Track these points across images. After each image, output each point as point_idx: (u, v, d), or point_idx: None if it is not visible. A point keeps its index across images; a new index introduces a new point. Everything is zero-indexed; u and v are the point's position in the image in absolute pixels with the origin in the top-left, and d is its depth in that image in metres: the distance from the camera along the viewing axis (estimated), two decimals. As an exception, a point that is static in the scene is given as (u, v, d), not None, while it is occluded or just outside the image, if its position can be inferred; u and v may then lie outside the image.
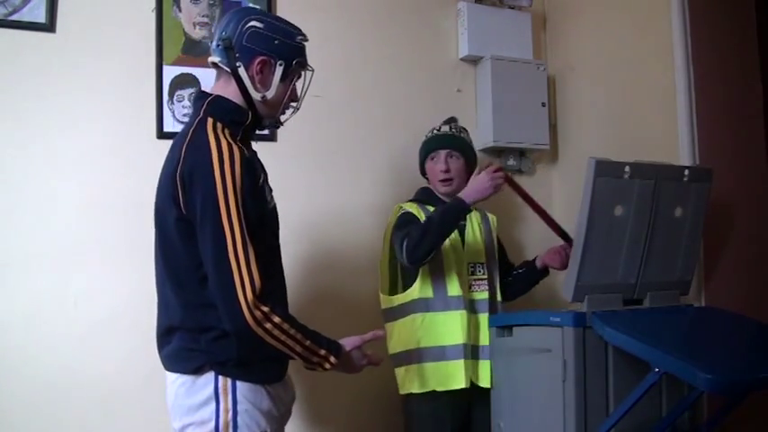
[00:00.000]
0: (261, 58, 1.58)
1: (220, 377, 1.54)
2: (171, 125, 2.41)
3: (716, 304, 2.14)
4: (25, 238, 2.22)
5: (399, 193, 2.67)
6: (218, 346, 1.53)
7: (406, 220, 2.17)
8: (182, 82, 2.44)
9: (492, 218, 2.37)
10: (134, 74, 2.38)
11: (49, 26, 2.28)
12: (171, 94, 2.42)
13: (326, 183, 2.60)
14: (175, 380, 1.58)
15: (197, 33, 2.48)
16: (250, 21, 1.58)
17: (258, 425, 1.56)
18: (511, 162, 2.81)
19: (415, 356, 2.13)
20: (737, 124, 2.28)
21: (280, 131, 2.55)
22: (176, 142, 1.61)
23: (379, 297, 2.29)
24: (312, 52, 2.60)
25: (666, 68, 2.29)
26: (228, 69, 1.58)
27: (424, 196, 2.30)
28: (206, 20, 2.49)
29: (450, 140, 2.28)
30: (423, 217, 2.15)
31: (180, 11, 2.46)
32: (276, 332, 1.49)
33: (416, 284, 2.14)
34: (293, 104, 1.72)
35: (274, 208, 1.71)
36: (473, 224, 2.27)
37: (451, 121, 2.38)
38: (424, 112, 2.75)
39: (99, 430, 2.24)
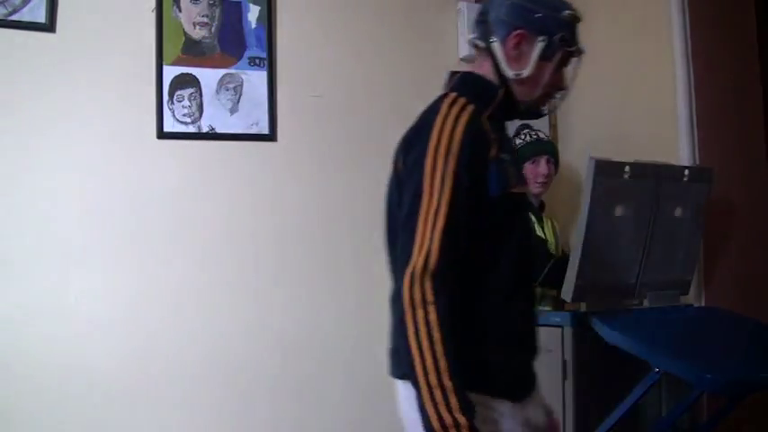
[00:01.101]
0: (518, 32, 1.37)
1: None
2: (171, 125, 2.41)
3: (716, 304, 2.14)
4: (25, 238, 2.22)
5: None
6: None
7: None
8: (182, 82, 2.44)
9: (555, 224, 2.50)
10: (134, 74, 2.38)
11: (49, 26, 2.28)
12: (171, 94, 2.42)
13: (326, 182, 2.60)
14: (397, 385, 1.30)
15: (197, 33, 2.48)
16: None
17: None
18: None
19: None
20: (737, 124, 2.28)
21: (279, 131, 2.56)
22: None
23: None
24: (312, 52, 2.63)
25: (666, 68, 2.29)
26: (483, 45, 1.41)
27: None
28: (206, 20, 2.49)
29: (550, 148, 2.46)
30: None
31: (180, 11, 2.46)
32: (421, 327, 1.13)
33: None
34: (559, 92, 1.47)
35: (517, 198, 1.36)
36: (546, 225, 2.43)
37: (537, 129, 2.51)
38: (424, 112, 2.75)
39: (98, 429, 2.24)
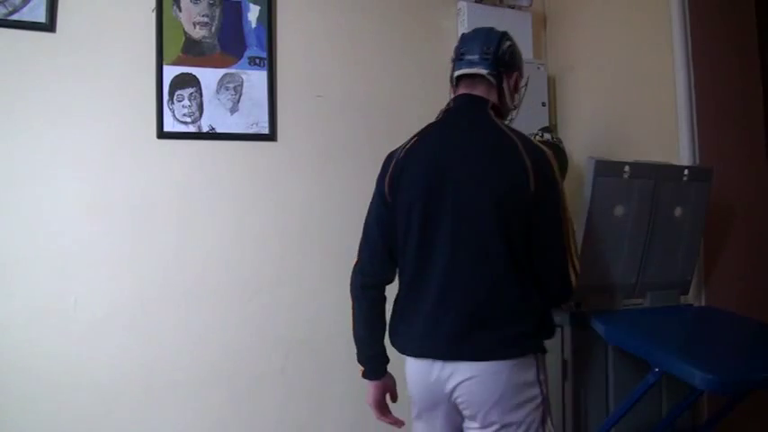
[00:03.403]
0: (516, 73, 1.71)
1: None
2: (171, 125, 2.41)
3: (716, 304, 2.14)
4: (25, 239, 2.22)
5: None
6: None
7: None
8: (182, 82, 2.44)
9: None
10: (134, 74, 2.38)
11: (49, 26, 2.28)
12: (171, 94, 2.42)
13: (326, 182, 2.60)
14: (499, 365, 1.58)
15: (197, 33, 2.48)
16: None
17: None
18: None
19: None
20: (737, 124, 2.28)
21: (279, 131, 2.56)
22: None
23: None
24: (312, 52, 2.63)
25: (666, 69, 2.29)
26: (494, 81, 1.67)
27: None
28: (206, 20, 2.49)
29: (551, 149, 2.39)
30: None
31: (180, 11, 2.46)
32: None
33: None
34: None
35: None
36: None
37: (549, 130, 2.47)
38: (425, 111, 2.75)
39: (98, 430, 2.24)
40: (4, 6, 2.23)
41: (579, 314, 1.89)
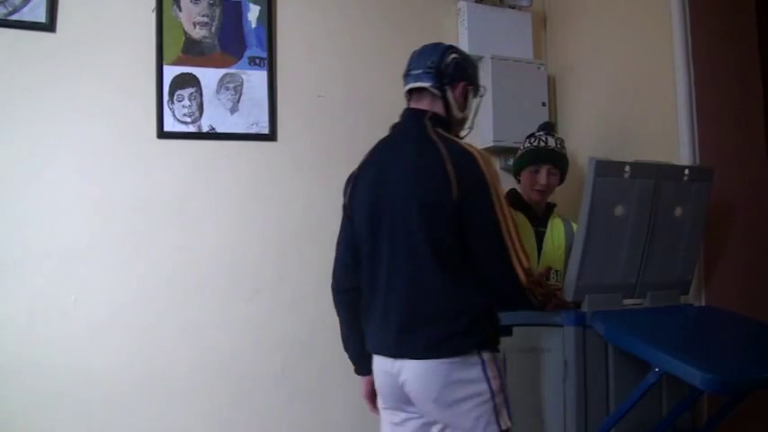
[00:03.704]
0: (463, 83, 1.77)
1: None
2: (171, 125, 2.42)
3: (716, 304, 2.14)
4: (25, 238, 2.22)
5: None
6: None
7: None
8: (182, 82, 2.44)
9: (575, 227, 2.40)
10: (134, 74, 2.38)
11: (49, 26, 2.28)
12: (171, 94, 2.42)
13: (326, 182, 2.60)
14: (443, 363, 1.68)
15: (197, 33, 2.48)
16: None
17: None
18: (511, 162, 2.80)
19: None
20: (737, 124, 2.28)
21: (279, 131, 2.56)
22: None
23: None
24: (312, 52, 2.63)
25: (666, 68, 2.29)
26: (438, 93, 1.77)
27: (512, 199, 2.30)
28: (206, 19, 2.49)
29: (555, 157, 2.36)
30: None
31: (180, 10, 2.46)
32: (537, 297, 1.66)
33: None
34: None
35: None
36: (553, 233, 2.34)
37: (551, 129, 2.43)
38: (424, 111, 2.75)
39: (98, 430, 2.24)
40: (4, 6, 2.23)
41: (579, 314, 1.89)
